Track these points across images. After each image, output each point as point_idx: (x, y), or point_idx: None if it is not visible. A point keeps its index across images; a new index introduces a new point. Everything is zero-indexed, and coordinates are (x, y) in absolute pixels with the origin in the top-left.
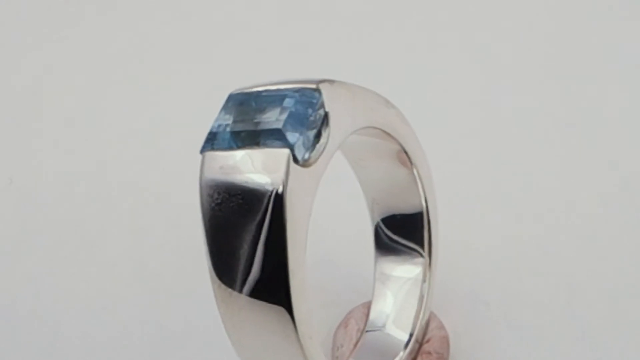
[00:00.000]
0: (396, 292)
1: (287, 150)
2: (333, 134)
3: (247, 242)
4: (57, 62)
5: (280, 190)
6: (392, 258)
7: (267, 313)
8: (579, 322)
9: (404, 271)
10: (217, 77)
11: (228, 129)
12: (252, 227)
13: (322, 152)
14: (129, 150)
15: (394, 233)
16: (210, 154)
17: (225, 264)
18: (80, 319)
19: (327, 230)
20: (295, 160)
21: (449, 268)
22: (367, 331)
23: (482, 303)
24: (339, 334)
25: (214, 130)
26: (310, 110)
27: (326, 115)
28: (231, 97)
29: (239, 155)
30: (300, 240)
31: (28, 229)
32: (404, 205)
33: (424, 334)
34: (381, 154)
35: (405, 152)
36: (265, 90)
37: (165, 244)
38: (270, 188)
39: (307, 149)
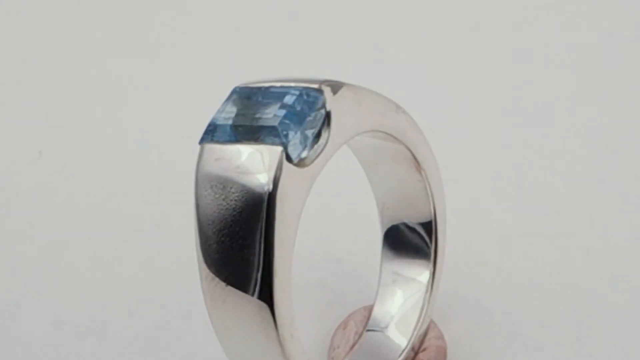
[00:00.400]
0: (407, 296)
1: (280, 148)
2: (333, 135)
3: (236, 236)
4: (82, 42)
5: (269, 188)
6: (409, 260)
7: (249, 308)
8: (586, 338)
9: (423, 276)
10: (226, 74)
11: (230, 122)
12: (241, 222)
13: (320, 152)
14: (155, 133)
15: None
16: (209, 146)
17: (213, 255)
18: (83, 307)
19: (335, 229)
20: (289, 158)
21: (455, 277)
22: (368, 330)
23: (487, 314)
24: (337, 334)
25: (215, 122)
26: (310, 110)
27: (327, 115)
28: (235, 91)
29: (236, 149)
30: (287, 238)
31: (54, 200)
32: (415, 213)
33: (421, 342)
34: (394, 158)
35: (415, 159)
36: (271, 87)
37: (177, 234)
38: (261, 185)
39: (303, 148)
